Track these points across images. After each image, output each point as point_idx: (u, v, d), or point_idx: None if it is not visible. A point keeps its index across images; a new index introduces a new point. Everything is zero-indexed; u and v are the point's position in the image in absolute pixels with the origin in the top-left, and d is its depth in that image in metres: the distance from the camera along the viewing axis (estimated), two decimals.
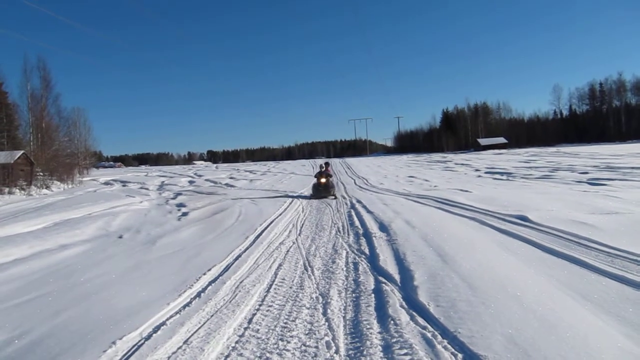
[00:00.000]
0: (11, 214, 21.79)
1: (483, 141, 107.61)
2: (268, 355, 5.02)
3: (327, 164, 25.61)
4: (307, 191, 26.13)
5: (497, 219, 12.61)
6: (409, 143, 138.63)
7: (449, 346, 4.85)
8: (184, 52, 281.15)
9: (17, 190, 36.20)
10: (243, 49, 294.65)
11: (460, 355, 4.62)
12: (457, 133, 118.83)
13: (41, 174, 43.58)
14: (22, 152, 42.74)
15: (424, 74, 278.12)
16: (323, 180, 22.57)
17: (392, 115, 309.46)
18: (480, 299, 6.10)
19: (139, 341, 5.48)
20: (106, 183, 47.52)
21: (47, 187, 41.51)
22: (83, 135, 67.29)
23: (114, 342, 5.37)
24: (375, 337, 5.28)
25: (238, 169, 68.57)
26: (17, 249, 11.74)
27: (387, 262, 8.74)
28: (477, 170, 37.72)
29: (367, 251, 9.96)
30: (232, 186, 35.52)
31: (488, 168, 38.22)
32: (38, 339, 5.70)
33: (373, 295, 6.93)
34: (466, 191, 20.76)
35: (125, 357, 5.05)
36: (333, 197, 22.07)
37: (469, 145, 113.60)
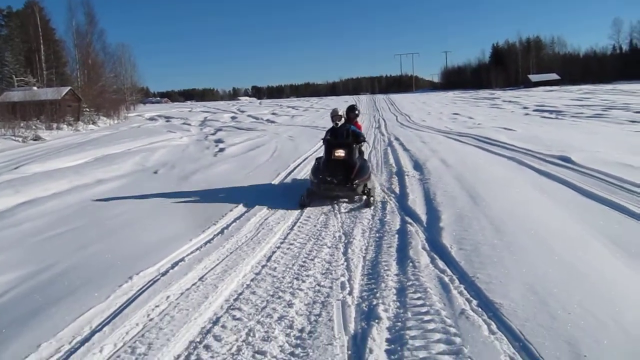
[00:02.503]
0: (56, 149, 22.41)
1: (534, 77, 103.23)
2: (281, 294, 4.96)
3: (352, 109, 10.92)
4: None
5: (538, 160, 12.08)
6: (456, 79, 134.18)
7: (464, 292, 4.65)
8: None
9: (65, 126, 37.12)
10: None
11: (474, 302, 4.41)
12: (507, 69, 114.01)
13: (88, 109, 44.46)
14: (69, 88, 43.60)
15: (474, 6, 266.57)
16: (340, 153, 9.31)
17: (440, 50, 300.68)
18: (505, 244, 5.83)
19: (155, 277, 5.51)
20: (151, 119, 48.28)
21: (94, 123, 42.45)
22: (129, 72, 68.16)
23: (130, 277, 5.41)
24: (391, 280, 5.13)
25: (281, 105, 68.37)
26: (56, 184, 12.03)
27: (416, 202, 8.51)
28: (525, 108, 36.28)
29: (397, 190, 9.74)
30: (273, 122, 35.44)
31: (537, 106, 36.68)
32: (62, 272, 5.81)
33: (397, 235, 6.76)
34: (510, 130, 20.02)
35: (140, 292, 5.09)
36: (365, 196, 8.96)
37: (519, 81, 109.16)
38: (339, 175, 8.83)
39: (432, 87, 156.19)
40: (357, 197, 9.16)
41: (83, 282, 5.37)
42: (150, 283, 5.32)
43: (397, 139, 19.55)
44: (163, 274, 5.58)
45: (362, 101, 67.91)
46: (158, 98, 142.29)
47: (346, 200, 9.14)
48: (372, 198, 8.77)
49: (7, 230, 8.02)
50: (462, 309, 4.30)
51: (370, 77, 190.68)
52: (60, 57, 52.42)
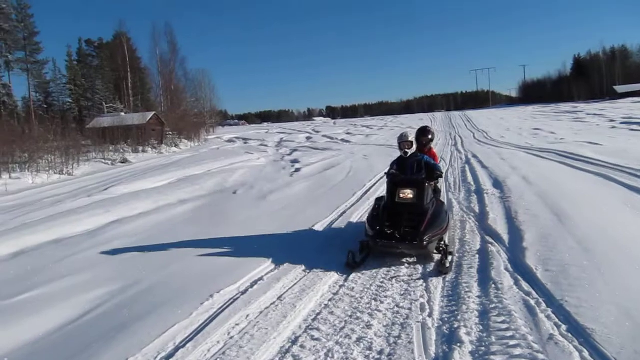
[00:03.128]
0: (142, 171, 23.53)
1: (620, 88, 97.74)
2: (359, 315, 4.92)
3: (424, 132, 8.46)
4: None
5: (628, 175, 11.40)
6: (535, 93, 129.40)
7: (552, 315, 4.43)
8: (301, 6, 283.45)
9: (150, 149, 38.96)
10: (359, 2, 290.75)
11: (563, 327, 4.18)
12: (590, 80, 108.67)
13: (171, 133, 46.49)
14: (153, 113, 45.78)
15: (553, 18, 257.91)
16: (407, 193, 7.06)
17: (517, 64, 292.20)
18: (595, 264, 5.51)
19: (235, 295, 5.62)
20: (229, 140, 49.72)
21: (176, 146, 44.26)
22: (208, 95, 70.56)
23: (211, 295, 5.55)
24: (473, 302, 4.97)
25: (355, 125, 68.59)
26: (142, 204, 12.59)
27: (497, 221, 8.24)
28: (611, 120, 34.47)
29: (476, 209, 9.47)
30: (347, 142, 35.60)
31: (624, 118, 34.76)
32: (147, 289, 6.05)
33: (477, 256, 6.56)
34: (595, 144, 19.07)
35: (220, 310, 5.20)
36: (440, 254, 6.62)
37: (604, 93, 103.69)
38: (404, 226, 6.54)
39: (510, 102, 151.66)
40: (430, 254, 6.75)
41: (167, 299, 5.56)
42: (230, 301, 5.43)
43: (474, 156, 19.09)
44: (243, 293, 5.68)
45: (437, 119, 67.02)
46: (236, 120, 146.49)
47: None
48: (448, 260, 6.25)
49: (98, 247, 8.45)
50: (551, 334, 4.09)
51: (445, 94, 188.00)
52: (145, 83, 55.44)
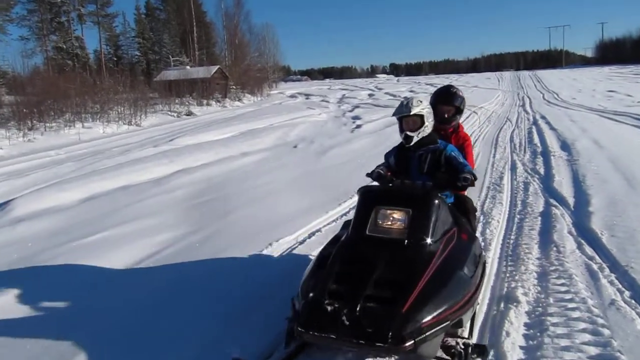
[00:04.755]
0: (206, 123, 24.06)
1: None
2: None
3: (447, 96, 4.75)
4: (489, 106, 24.72)
5: None
6: (613, 53, 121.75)
7: (615, 281, 4.28)
8: None
9: (214, 102, 39.66)
10: None
11: (627, 293, 4.04)
12: None
13: (234, 87, 47.05)
14: (218, 67, 46.36)
15: None
16: (392, 220, 3.49)
17: (595, 21, 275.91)
18: None
19: (293, 245, 5.75)
20: (291, 96, 49.84)
21: (239, 100, 44.84)
22: (271, 51, 70.46)
23: (270, 244, 5.71)
24: (532, 263, 4.87)
25: (419, 82, 67.10)
26: (205, 155, 12.92)
27: (562, 184, 7.97)
28: None
29: (542, 171, 9.18)
30: None
31: None
32: (210, 235, 6.28)
33: (539, 218, 6.38)
34: None
35: (280, 255, 5.36)
36: None
37: None
38: (367, 294, 3.00)
39: (584, 62, 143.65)
40: None
41: (228, 245, 5.76)
42: (287, 250, 5.57)
43: (543, 117, 18.38)
44: (300, 243, 5.81)
45: (505, 78, 64.60)
46: (298, 76, 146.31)
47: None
48: None
49: (163, 195, 8.77)
50: (613, 300, 3.97)
51: (515, 53, 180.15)
52: (210, 38, 56.02)
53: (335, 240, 3.78)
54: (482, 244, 4.90)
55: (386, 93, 44.97)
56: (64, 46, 47.41)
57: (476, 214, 4.57)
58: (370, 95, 43.67)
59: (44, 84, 26.96)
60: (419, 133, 3.97)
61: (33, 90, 25.76)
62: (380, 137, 15.36)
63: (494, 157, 10.99)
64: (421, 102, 4.00)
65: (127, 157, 13.50)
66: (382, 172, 4.14)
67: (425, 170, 4.05)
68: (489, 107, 23.91)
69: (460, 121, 4.83)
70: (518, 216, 6.56)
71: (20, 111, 22.02)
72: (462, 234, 3.70)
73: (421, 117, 3.95)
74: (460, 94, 4.76)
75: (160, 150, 14.12)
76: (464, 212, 4.19)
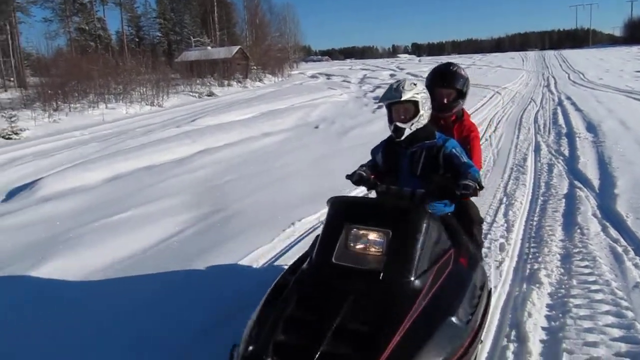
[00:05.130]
0: (227, 104, 24.14)
1: None
2: None
3: (446, 76, 3.78)
4: (513, 86, 24.36)
5: None
6: None
7: None
8: None
9: (235, 83, 39.73)
10: None
11: None
12: None
13: (255, 67, 47.02)
14: (238, 47, 46.38)
15: None
16: (368, 241, 2.67)
17: None
18: None
19: (316, 224, 5.78)
20: (312, 76, 49.62)
21: (260, 80, 44.81)
22: (292, 31, 70.22)
23: (292, 223, 5.77)
24: (556, 245, 4.83)
25: (441, 62, 66.23)
26: (227, 135, 12.98)
27: (587, 165, 7.87)
28: None
29: (566, 152, 9.07)
30: None
31: None
32: (232, 214, 6.35)
33: (563, 200, 6.32)
34: None
35: (301, 237, 5.43)
36: None
37: None
38: (327, 343, 2.23)
39: (612, 42, 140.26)
40: None
41: (250, 225, 5.82)
42: (310, 230, 5.61)
43: (568, 97, 18.05)
44: (323, 222, 5.83)
45: (529, 58, 63.40)
46: (319, 56, 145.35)
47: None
48: None
49: (186, 175, 8.87)
50: (637, 282, 3.93)
51: (540, 32, 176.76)
52: (231, 18, 56.01)
53: (298, 264, 2.93)
54: (489, 266, 4.10)
55: (408, 73, 44.45)
56: (87, 27, 47.83)
57: (482, 225, 4.04)
58: (391, 75, 43.27)
59: (67, 66, 27.27)
60: (412, 124, 3.17)
61: (57, 72, 26.08)
62: None
63: (517, 138, 10.86)
64: (415, 85, 3.18)
65: (149, 137, 13.64)
66: (364, 174, 3.32)
67: (419, 172, 3.23)
68: (512, 88, 23.58)
69: (465, 107, 3.92)
70: (542, 198, 6.50)
71: (45, 92, 22.34)
72: (460, 257, 2.93)
73: (415, 103, 3.14)
74: (463, 72, 3.81)
75: (183, 131, 14.23)
76: (467, 223, 3.47)
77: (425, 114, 3.21)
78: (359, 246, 2.65)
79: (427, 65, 58.47)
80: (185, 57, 43.24)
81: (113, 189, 8.23)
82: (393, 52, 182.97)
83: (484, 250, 4.32)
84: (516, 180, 7.41)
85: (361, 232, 2.66)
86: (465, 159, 3.19)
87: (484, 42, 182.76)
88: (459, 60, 71.22)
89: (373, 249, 2.63)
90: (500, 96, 19.46)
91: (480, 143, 3.93)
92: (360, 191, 5.91)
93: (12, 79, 37.18)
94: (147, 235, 5.63)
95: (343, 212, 2.83)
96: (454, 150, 3.21)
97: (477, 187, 2.98)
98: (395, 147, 3.32)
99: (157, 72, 30.02)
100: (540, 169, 8.03)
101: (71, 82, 24.02)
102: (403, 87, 3.12)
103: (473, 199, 3.40)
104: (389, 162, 3.37)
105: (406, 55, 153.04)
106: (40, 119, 19.15)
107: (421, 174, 3.22)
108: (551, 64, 48.23)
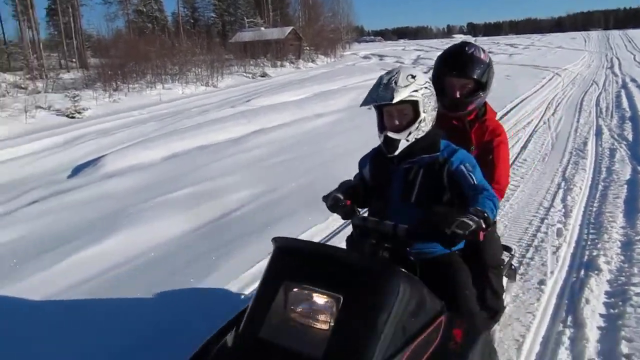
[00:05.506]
0: (280, 85, 24.31)
1: None
2: None
3: (459, 60, 2.80)
4: (574, 68, 23.50)
5: None
6: None
7: None
8: None
9: (287, 64, 39.88)
10: None
11: None
12: None
13: (307, 48, 47.06)
14: (291, 28, 46.46)
15: None
16: (315, 317, 1.86)
17: None
18: None
19: None
20: (365, 57, 49.25)
21: (312, 61, 44.84)
22: (345, 11, 69.63)
23: None
24: (616, 232, 4.70)
25: (497, 43, 64.45)
26: (280, 116, 13.11)
27: None
28: None
29: (630, 137, 8.74)
30: None
31: None
32: (286, 194, 6.49)
33: (625, 186, 6.11)
34: None
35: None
36: None
37: None
38: None
39: None
40: None
41: (305, 204, 5.87)
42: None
43: (633, 80, 17.32)
44: None
45: (592, 38, 60.96)
46: (372, 37, 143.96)
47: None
48: None
49: (241, 154, 9.05)
50: None
51: (604, 10, 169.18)
52: None
53: (218, 336, 2.11)
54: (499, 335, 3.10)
55: None
56: (144, 9, 48.96)
57: (512, 270, 3.38)
58: None
59: (126, 47, 28.01)
60: (409, 133, 2.32)
61: (116, 53, 26.84)
62: None
63: (577, 121, 10.53)
64: (414, 78, 2.28)
65: (205, 117, 13.92)
66: (340, 197, 2.47)
67: (414, 197, 2.38)
68: (573, 69, 22.79)
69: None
70: (602, 183, 6.31)
71: (105, 73, 23.07)
72: (455, 325, 2.05)
73: (414, 104, 2.30)
74: (483, 55, 2.82)
75: (238, 111, 14.45)
76: (479, 268, 2.56)
77: (428, 118, 2.36)
78: (300, 313, 1.87)
79: (482, 45, 56.88)
80: (239, 38, 43.72)
81: (171, 167, 8.49)
82: (448, 32, 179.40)
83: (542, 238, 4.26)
84: (575, 164, 7.22)
85: (305, 292, 1.87)
86: (477, 178, 2.30)
87: (543, 21, 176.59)
88: (517, 40, 69.24)
89: (321, 319, 1.83)
90: (560, 78, 18.84)
91: (509, 149, 3.22)
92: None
93: (74, 60, 38.58)
94: (205, 212, 5.81)
95: (283, 263, 2.03)
96: (462, 166, 2.33)
97: (482, 227, 2.01)
98: (384, 161, 2.48)
99: (211, 53, 30.51)
100: (602, 153, 7.78)
101: (130, 63, 24.67)
102: (396, 82, 2.25)
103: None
104: (378, 180, 2.56)
105: (461, 35, 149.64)
106: (101, 99, 19.82)
107: (417, 200, 2.37)
108: (615, 44, 46.23)
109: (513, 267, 3.54)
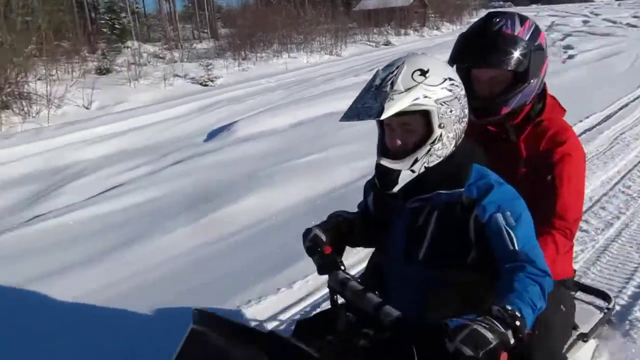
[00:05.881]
0: (404, 53, 23.81)
1: None
2: None
3: (483, 39, 1.91)
4: None
5: None
6: None
7: None
8: None
9: (411, 32, 39.10)
10: None
11: None
12: None
13: (433, 15, 45.74)
14: None
15: None
16: None
17: None
18: None
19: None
20: None
21: (437, 29, 43.54)
22: None
23: None
24: None
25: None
26: None
27: None
28: None
29: None
30: (635, 26, 30.76)
31: None
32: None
33: None
34: None
35: None
36: None
37: None
38: None
39: None
40: None
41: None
42: None
43: None
44: None
45: None
46: (501, 2, 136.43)
47: None
48: None
49: (365, 124, 8.92)
50: None
51: None
52: None
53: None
54: None
55: (604, 19, 39.98)
56: None
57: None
58: (584, 22, 39.20)
59: (253, 17, 28.95)
60: (414, 161, 1.52)
61: (244, 23, 27.83)
62: (598, 68, 13.95)
63: None
64: (425, 74, 1.46)
65: (330, 85, 14.09)
66: (321, 238, 1.69)
67: (422, 254, 1.58)
68: None
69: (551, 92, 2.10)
70: None
71: (234, 43, 24.06)
72: None
73: (425, 115, 1.49)
74: (518, 31, 1.92)
75: (361, 80, 14.43)
76: None
77: (448, 135, 1.52)
78: None
79: (628, 9, 51.65)
80: (363, 6, 43.40)
81: (298, 134, 8.76)
82: None
83: None
84: None
85: None
86: (520, 239, 1.42)
87: None
88: None
89: None
90: None
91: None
92: None
93: (206, 30, 40.54)
94: (333, 177, 5.99)
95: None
96: (499, 216, 1.46)
97: (507, 342, 1.20)
98: (384, 194, 1.66)
99: (335, 22, 30.67)
100: None
101: (257, 33, 25.49)
102: (393, 83, 1.47)
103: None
104: (382, 213, 1.75)
105: None
106: (231, 68, 20.73)
107: (426, 259, 1.57)
108: None
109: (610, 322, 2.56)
